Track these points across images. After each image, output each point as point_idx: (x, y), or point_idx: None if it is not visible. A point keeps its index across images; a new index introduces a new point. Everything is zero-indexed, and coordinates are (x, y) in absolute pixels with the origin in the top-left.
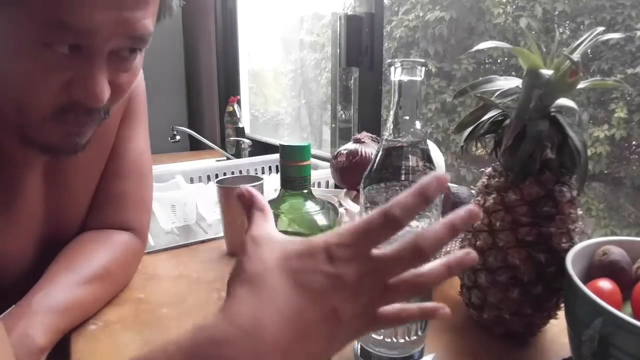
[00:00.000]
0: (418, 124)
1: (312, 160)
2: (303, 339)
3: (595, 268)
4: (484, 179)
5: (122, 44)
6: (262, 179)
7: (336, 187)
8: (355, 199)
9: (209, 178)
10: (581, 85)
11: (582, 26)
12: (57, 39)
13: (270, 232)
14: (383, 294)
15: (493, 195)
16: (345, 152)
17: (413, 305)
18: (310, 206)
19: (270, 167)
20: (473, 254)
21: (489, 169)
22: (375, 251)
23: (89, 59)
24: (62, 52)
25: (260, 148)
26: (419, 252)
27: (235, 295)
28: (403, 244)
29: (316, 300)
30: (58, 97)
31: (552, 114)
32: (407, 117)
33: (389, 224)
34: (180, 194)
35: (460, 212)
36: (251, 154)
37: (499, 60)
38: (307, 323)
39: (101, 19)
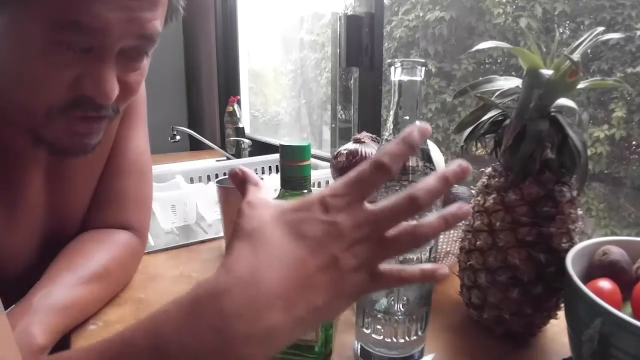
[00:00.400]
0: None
1: (312, 160)
2: (304, 288)
3: (595, 268)
4: (484, 179)
5: (131, 44)
6: (262, 179)
7: None
8: None
9: (209, 178)
10: (581, 85)
11: (582, 26)
12: (70, 38)
13: (265, 198)
14: (382, 245)
15: (493, 195)
16: (345, 152)
17: (414, 267)
18: None
19: (270, 167)
20: (467, 207)
21: (489, 169)
22: (370, 204)
23: (99, 58)
24: (70, 50)
25: (260, 148)
26: (413, 201)
27: (234, 250)
28: (398, 195)
29: (315, 248)
30: (66, 93)
31: (552, 114)
32: (407, 117)
33: (379, 171)
34: (180, 194)
35: (453, 166)
36: (251, 154)
37: (499, 60)
38: (307, 272)
39: (114, 18)
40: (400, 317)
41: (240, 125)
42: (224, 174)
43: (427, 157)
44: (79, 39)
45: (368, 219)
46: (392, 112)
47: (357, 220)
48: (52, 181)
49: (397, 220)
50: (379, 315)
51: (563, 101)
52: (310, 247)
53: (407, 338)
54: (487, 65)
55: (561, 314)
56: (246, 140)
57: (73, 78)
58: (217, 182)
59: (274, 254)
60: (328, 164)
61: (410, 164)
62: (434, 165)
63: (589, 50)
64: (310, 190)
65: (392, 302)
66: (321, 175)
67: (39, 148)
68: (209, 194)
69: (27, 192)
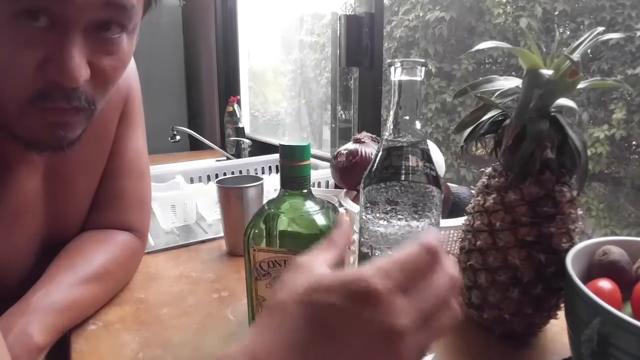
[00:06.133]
0: (418, 124)
1: (312, 160)
2: None
3: (595, 268)
4: (484, 179)
5: (99, 16)
6: (262, 179)
7: (336, 187)
8: (355, 199)
9: (209, 178)
10: (581, 85)
11: (582, 26)
12: (30, 5)
13: (316, 262)
14: (430, 333)
15: (493, 195)
16: (345, 152)
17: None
18: (310, 206)
19: (270, 167)
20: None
21: (489, 169)
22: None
23: (62, 33)
24: (33, 26)
25: (260, 148)
26: (453, 281)
27: (258, 324)
28: (435, 282)
29: (330, 335)
30: (34, 79)
31: (552, 114)
32: (407, 117)
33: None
34: (180, 194)
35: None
36: (251, 154)
37: (499, 60)
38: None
39: None
40: None
41: (240, 125)
42: (224, 174)
43: (427, 157)
44: (36, 6)
45: (421, 313)
46: (392, 112)
47: (414, 318)
48: (52, 184)
49: (445, 306)
50: None
51: (563, 101)
52: (325, 334)
53: None
54: (487, 65)
55: (561, 314)
56: (246, 140)
57: (38, 60)
58: (217, 182)
59: (286, 338)
60: (328, 164)
61: (410, 164)
62: (434, 165)
63: (589, 50)
64: (310, 191)
65: None
66: (321, 175)
67: (17, 145)
68: (209, 194)
69: (25, 194)
